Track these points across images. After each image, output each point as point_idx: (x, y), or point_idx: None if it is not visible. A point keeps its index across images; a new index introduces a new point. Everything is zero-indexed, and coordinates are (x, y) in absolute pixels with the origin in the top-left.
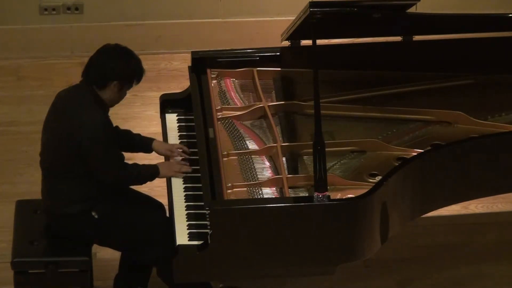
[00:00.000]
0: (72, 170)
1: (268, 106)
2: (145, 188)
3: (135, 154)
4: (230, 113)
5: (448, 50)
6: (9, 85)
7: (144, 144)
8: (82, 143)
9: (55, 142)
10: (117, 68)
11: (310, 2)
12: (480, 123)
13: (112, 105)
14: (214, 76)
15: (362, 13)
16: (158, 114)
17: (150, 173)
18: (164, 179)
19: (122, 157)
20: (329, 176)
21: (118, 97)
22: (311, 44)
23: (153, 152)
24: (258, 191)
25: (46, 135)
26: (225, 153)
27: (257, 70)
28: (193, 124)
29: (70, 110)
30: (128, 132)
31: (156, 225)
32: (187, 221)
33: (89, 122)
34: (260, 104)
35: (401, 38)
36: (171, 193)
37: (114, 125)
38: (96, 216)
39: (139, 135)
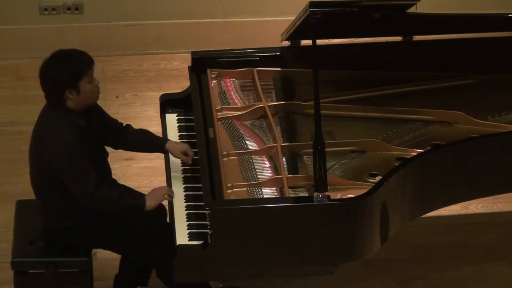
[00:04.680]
0: (57, 188)
1: (268, 106)
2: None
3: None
4: (230, 113)
5: (448, 50)
6: (9, 85)
7: (157, 144)
8: (52, 165)
9: (36, 162)
10: (55, 80)
11: (310, 2)
12: (480, 123)
13: (92, 102)
14: (214, 76)
15: (362, 13)
16: (158, 114)
17: (135, 203)
18: (164, 179)
19: (94, 179)
20: (329, 176)
21: (86, 96)
22: (311, 44)
23: (150, 155)
24: (258, 191)
25: (30, 154)
26: (225, 153)
27: (257, 70)
28: (193, 124)
29: (42, 132)
30: (141, 133)
31: (154, 228)
32: (187, 221)
33: (56, 147)
34: (260, 104)
35: (401, 38)
36: None
37: (125, 124)
38: (88, 226)
39: (153, 135)
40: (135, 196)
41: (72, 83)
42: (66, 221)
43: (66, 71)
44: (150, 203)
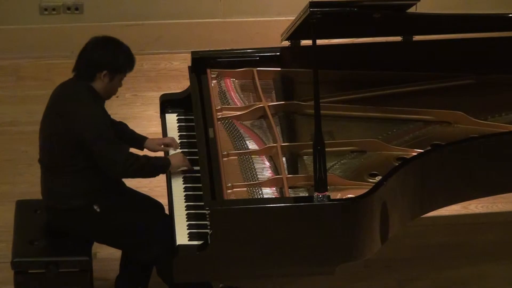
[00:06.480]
0: (73, 165)
1: (268, 106)
2: (145, 188)
3: None
4: (230, 113)
5: (448, 50)
6: (9, 85)
7: (136, 139)
8: (84, 138)
9: (55, 138)
10: (103, 58)
11: (310, 2)
12: (480, 123)
13: (107, 97)
14: (214, 76)
15: (362, 13)
16: (158, 114)
17: (162, 163)
18: (164, 179)
19: (126, 147)
20: (329, 176)
21: (111, 88)
22: (311, 44)
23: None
24: (258, 191)
25: (44, 131)
26: (225, 153)
27: (257, 70)
28: (193, 124)
29: (67, 105)
30: (122, 125)
31: (156, 223)
32: (187, 221)
33: (87, 116)
34: (260, 104)
35: (401, 38)
36: (171, 193)
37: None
38: (98, 210)
39: (132, 130)
40: (159, 158)
41: (114, 70)
42: (78, 202)
43: (120, 56)
44: (174, 163)
